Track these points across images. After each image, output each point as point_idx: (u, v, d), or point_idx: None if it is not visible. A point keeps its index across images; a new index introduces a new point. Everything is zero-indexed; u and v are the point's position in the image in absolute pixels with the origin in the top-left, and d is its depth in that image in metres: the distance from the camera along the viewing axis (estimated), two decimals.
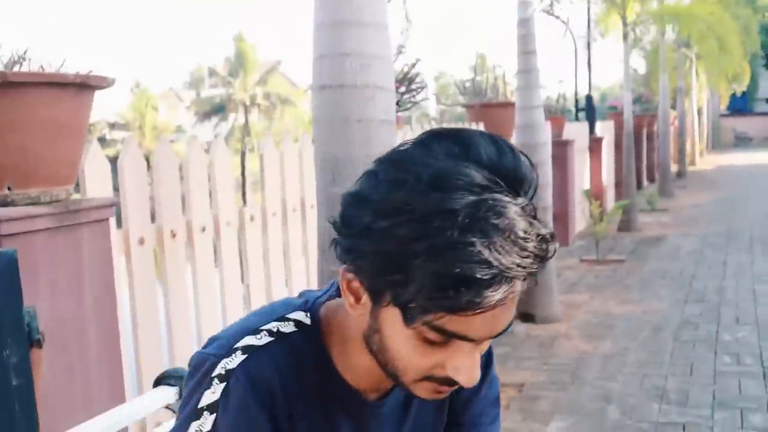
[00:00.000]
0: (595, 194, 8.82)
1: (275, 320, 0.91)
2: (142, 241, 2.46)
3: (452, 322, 0.76)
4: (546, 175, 5.32)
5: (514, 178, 0.78)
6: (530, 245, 0.75)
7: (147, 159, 2.53)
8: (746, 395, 3.65)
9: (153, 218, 2.57)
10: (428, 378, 0.84)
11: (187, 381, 0.90)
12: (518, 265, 0.74)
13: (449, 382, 0.84)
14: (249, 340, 0.88)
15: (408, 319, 0.78)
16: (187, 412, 0.87)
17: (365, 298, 0.83)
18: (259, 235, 3.10)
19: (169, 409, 1.27)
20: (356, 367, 0.92)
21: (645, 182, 14.24)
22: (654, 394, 3.72)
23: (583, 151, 9.37)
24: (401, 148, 0.82)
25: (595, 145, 9.95)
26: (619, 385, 3.87)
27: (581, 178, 9.11)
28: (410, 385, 0.86)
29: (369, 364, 0.89)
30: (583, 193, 8.34)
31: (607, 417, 3.45)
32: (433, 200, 0.74)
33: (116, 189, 2.36)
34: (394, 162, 0.81)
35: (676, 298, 5.71)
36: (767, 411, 3.44)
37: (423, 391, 0.86)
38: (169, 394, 1.28)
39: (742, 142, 32.60)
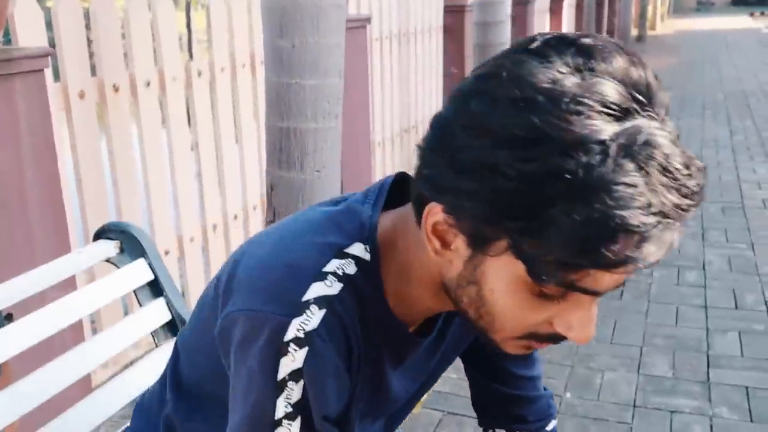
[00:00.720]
0: None
1: (335, 257, 0.75)
2: (82, 95, 2.37)
3: (588, 277, 0.63)
4: (504, 35, 5.21)
5: (648, 95, 0.62)
6: (691, 183, 0.61)
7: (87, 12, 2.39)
8: (684, 255, 3.81)
9: (94, 72, 2.46)
10: (529, 336, 0.72)
11: (238, 348, 0.74)
12: (679, 208, 0.60)
13: (553, 338, 0.72)
14: (320, 290, 0.73)
15: (537, 275, 0.64)
16: (261, 387, 0.73)
17: (459, 243, 0.69)
18: (207, 91, 3.01)
19: (110, 262, 1.26)
20: (411, 306, 0.80)
21: None
22: None
23: (544, 12, 9.17)
24: (513, 58, 0.64)
25: (555, 6, 9.74)
26: None
27: None
28: (501, 341, 0.74)
29: (428, 306, 0.80)
30: None
31: None
32: (575, 126, 0.59)
33: (53, 46, 2.24)
34: (513, 78, 0.63)
35: None
36: (702, 269, 3.60)
37: (514, 347, 0.75)
38: (109, 247, 1.26)
39: (704, 7, 32.30)
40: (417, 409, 2.08)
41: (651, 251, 0.60)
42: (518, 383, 1.02)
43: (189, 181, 2.93)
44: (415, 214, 0.74)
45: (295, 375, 0.72)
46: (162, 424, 0.95)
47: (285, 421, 0.74)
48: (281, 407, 0.73)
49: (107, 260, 1.26)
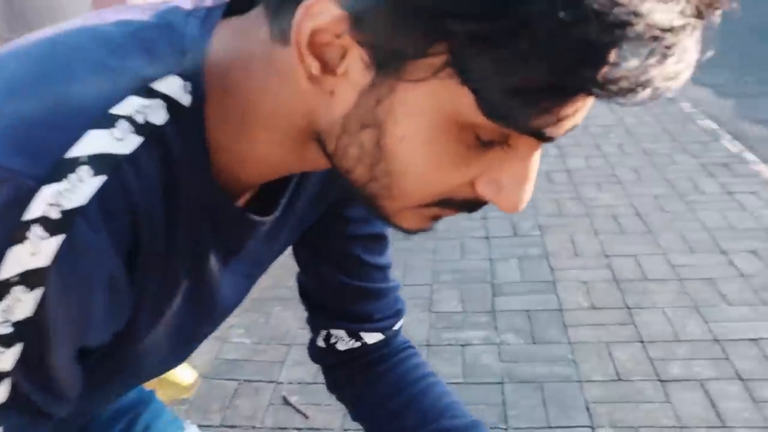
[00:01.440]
0: None
1: (136, 94, 0.48)
2: None
3: (562, 110, 0.45)
4: None
5: None
6: None
7: None
8: None
9: None
10: (441, 202, 0.52)
11: None
12: (711, 5, 0.42)
13: (470, 205, 0.52)
14: (101, 142, 0.45)
15: (493, 107, 0.43)
16: None
17: (353, 63, 0.46)
18: None
19: None
20: (248, 170, 0.55)
21: None
22: None
23: None
24: None
25: None
26: None
27: None
28: (397, 212, 0.53)
29: (275, 169, 0.56)
30: None
31: None
32: None
33: None
34: None
35: None
36: None
37: (416, 219, 0.54)
38: None
39: None
40: (188, 394, 1.98)
41: (675, 69, 0.42)
42: (367, 273, 0.80)
43: None
44: (271, 20, 0.49)
45: (31, 278, 0.44)
46: None
47: None
48: None
49: None
